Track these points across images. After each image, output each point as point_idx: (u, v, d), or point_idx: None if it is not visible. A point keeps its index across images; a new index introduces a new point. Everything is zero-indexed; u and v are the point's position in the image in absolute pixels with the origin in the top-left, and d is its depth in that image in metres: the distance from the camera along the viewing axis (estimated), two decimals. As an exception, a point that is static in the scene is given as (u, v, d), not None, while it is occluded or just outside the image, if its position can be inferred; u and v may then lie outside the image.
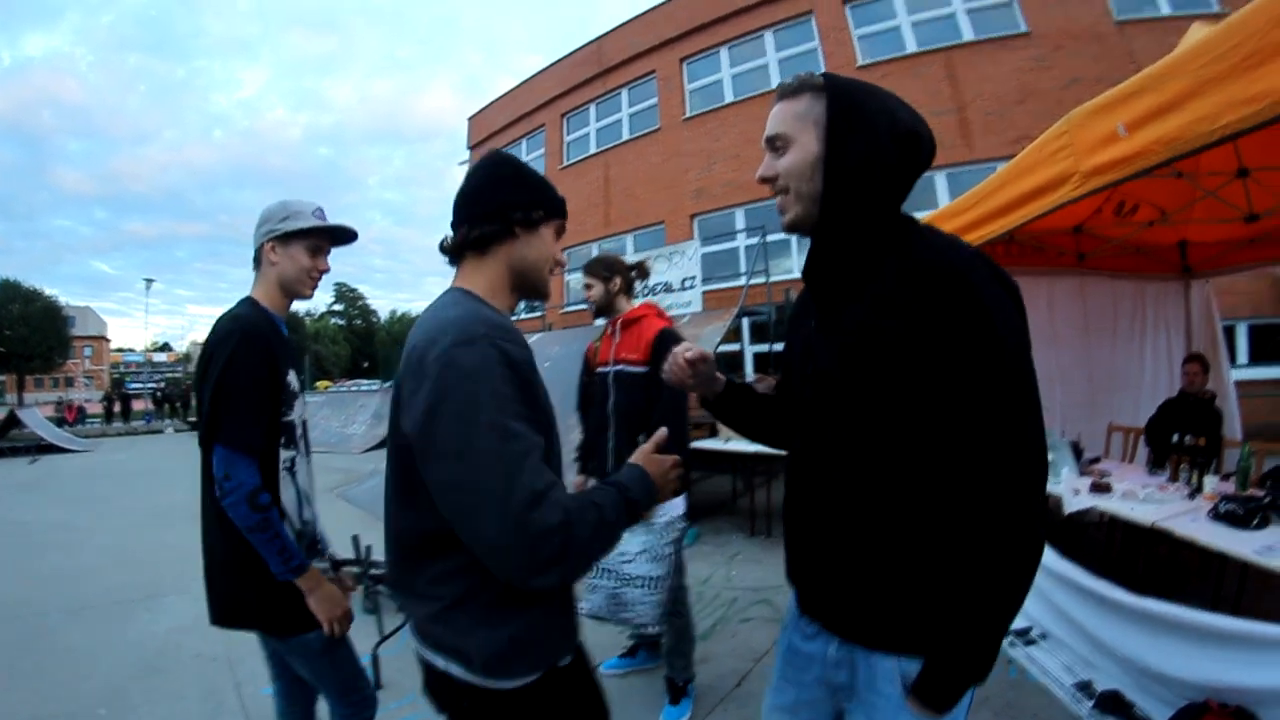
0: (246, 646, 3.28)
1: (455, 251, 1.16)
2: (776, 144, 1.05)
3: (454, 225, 1.16)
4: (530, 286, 1.20)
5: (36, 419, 14.43)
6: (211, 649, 3.33)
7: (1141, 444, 4.16)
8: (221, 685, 2.98)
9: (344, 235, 1.73)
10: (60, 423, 18.50)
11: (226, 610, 1.57)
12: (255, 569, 1.47)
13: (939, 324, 0.91)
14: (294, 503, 1.59)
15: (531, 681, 1.05)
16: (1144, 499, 2.85)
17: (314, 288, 1.71)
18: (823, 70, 1.13)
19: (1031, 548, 0.93)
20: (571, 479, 3.03)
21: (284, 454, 1.56)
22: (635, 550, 2.35)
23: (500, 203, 1.13)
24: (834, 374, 1.03)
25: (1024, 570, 0.93)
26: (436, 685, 1.14)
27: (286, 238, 1.62)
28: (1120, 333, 5.04)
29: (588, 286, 2.72)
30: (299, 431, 1.65)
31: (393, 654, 3.07)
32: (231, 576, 1.54)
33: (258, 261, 1.66)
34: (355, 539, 3.92)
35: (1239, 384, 5.16)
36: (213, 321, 1.58)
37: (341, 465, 9.78)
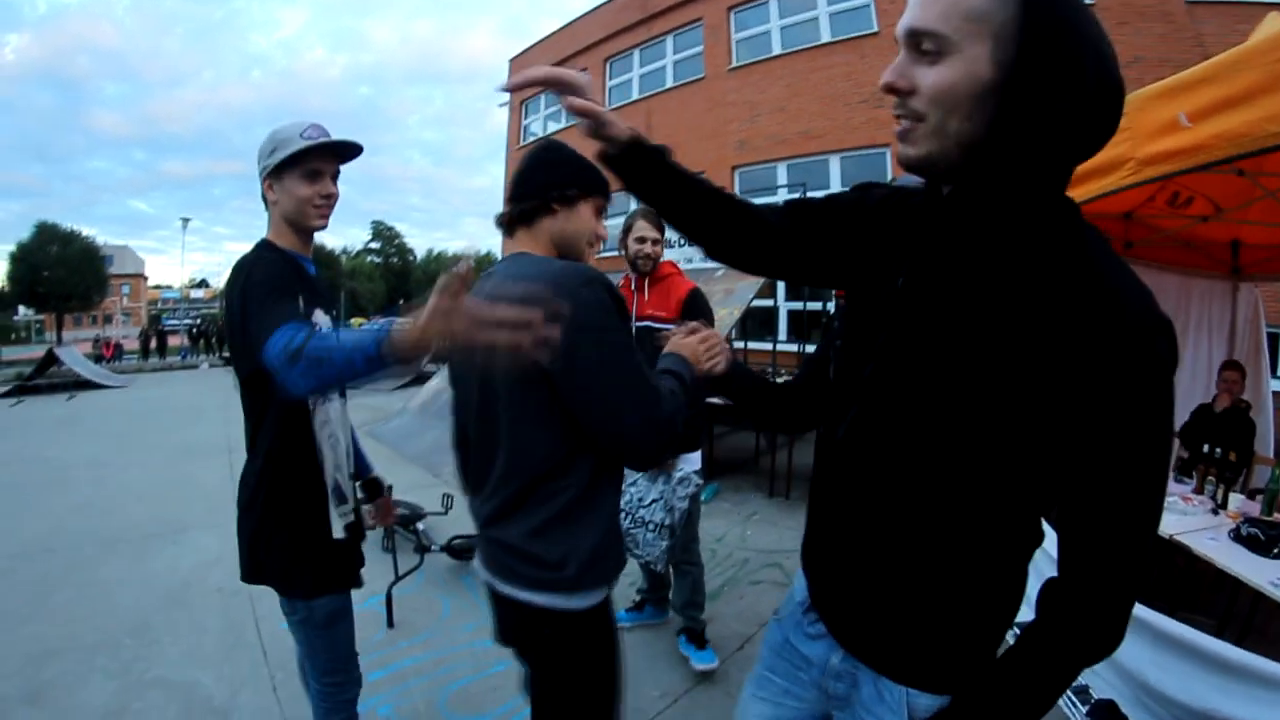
0: None
1: (508, 224, 1.31)
2: (923, 44, 0.72)
3: (505, 202, 1.33)
4: (571, 257, 1.30)
5: (74, 357, 14.83)
6: (233, 584, 3.42)
7: (1174, 449, 4.05)
8: (242, 619, 3.11)
9: (345, 150, 1.55)
10: (98, 359, 19.12)
11: (248, 567, 1.57)
12: (270, 526, 1.50)
13: (1082, 373, 0.70)
14: (330, 461, 1.54)
15: (598, 603, 1.24)
16: (1167, 508, 2.77)
17: (324, 216, 1.55)
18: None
19: (1107, 643, 0.77)
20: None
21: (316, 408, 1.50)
22: (651, 497, 2.50)
23: (540, 183, 1.28)
24: (915, 367, 0.83)
25: (1088, 659, 0.79)
26: (513, 622, 1.30)
27: (279, 170, 1.49)
28: (1161, 329, 4.87)
29: (654, 241, 2.66)
30: None
31: (406, 594, 3.20)
32: (250, 533, 1.54)
33: (264, 202, 1.56)
34: (378, 480, 4.02)
35: (1278, 395, 4.97)
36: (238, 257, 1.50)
37: (371, 403, 9.98)
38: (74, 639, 2.93)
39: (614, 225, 2.92)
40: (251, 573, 1.55)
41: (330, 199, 1.55)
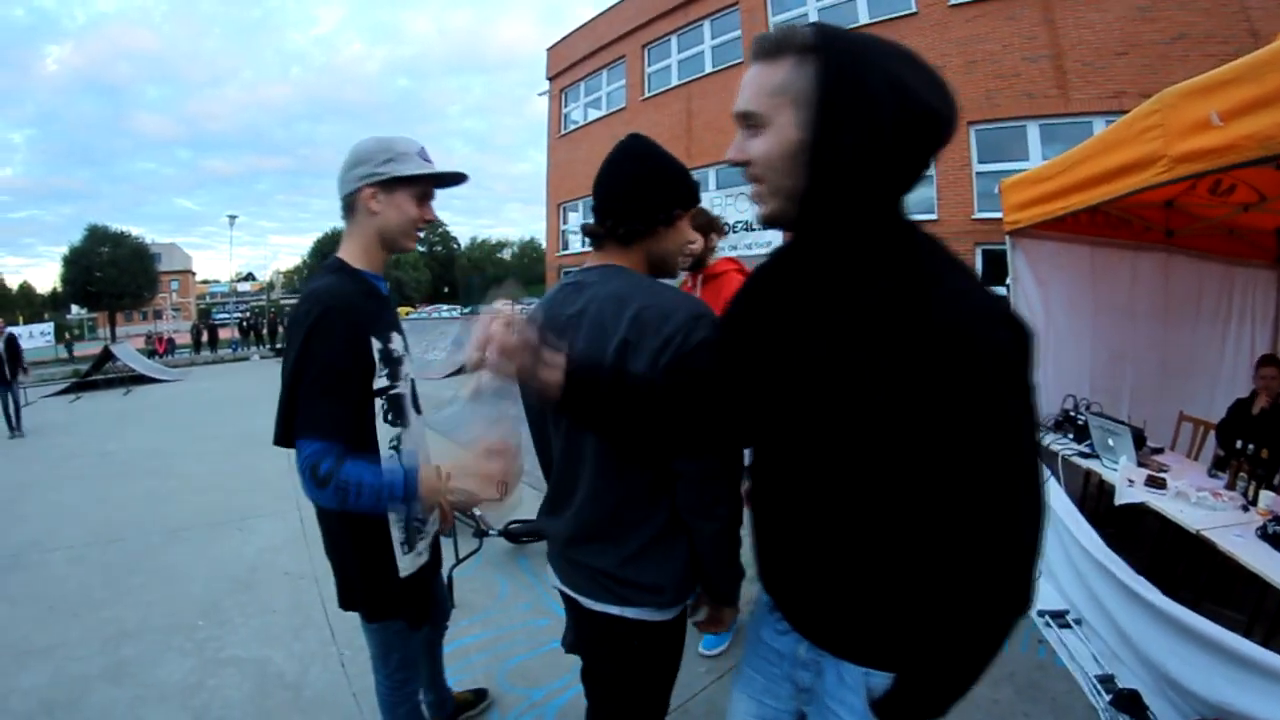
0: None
1: (601, 239, 1.28)
2: (749, 123, 0.86)
3: (599, 213, 1.28)
4: (664, 271, 1.32)
5: (129, 353, 15.35)
6: (299, 567, 3.70)
7: (1210, 441, 3.99)
8: (309, 600, 3.30)
9: (454, 180, 1.53)
10: (151, 355, 19.90)
11: (340, 595, 1.60)
12: (343, 554, 1.52)
13: (931, 373, 0.78)
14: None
15: (679, 611, 1.30)
16: (1195, 502, 2.78)
17: (418, 239, 1.52)
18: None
19: (1012, 611, 0.87)
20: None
21: (391, 431, 1.44)
22: None
23: (644, 206, 1.24)
24: (797, 397, 0.92)
25: (1002, 629, 0.88)
26: (599, 634, 1.31)
27: (391, 184, 1.41)
28: (1203, 317, 4.76)
29: (690, 242, 2.56)
30: (407, 401, 1.51)
31: (466, 576, 3.34)
32: (334, 563, 1.57)
33: (350, 210, 1.44)
34: (437, 468, 4.21)
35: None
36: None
37: (422, 391, 10.21)
38: (149, 621, 3.15)
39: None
40: (348, 602, 1.58)
41: (428, 224, 1.54)
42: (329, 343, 1.31)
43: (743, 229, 8.17)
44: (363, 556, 1.48)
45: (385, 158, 1.40)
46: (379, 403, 1.42)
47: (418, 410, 1.61)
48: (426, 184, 1.47)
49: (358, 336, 1.36)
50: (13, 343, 8.72)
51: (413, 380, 1.58)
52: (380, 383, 1.41)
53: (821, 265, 0.91)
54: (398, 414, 1.47)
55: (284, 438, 1.35)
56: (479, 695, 2.39)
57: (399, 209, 1.44)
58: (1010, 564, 0.84)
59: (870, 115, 0.77)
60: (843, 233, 0.86)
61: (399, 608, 1.57)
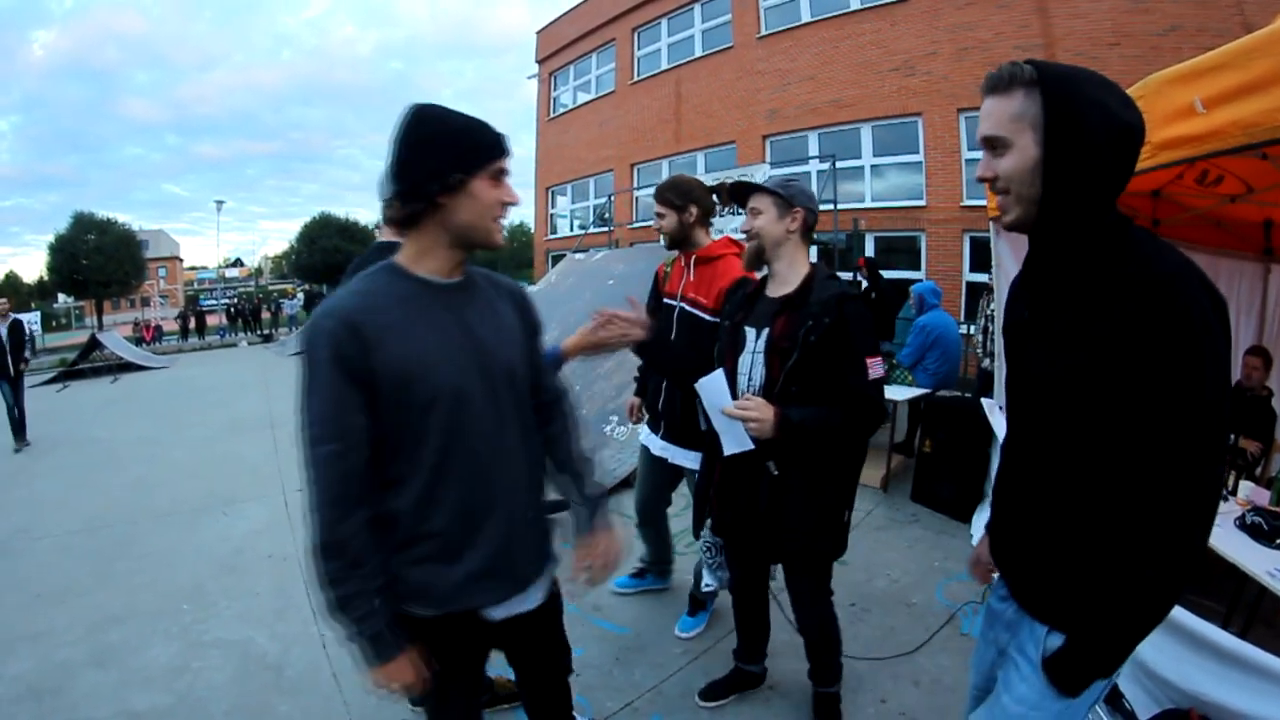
0: None
1: (399, 227, 1.20)
2: (994, 145, 1.05)
3: (388, 198, 1.17)
4: (475, 242, 1.21)
5: (116, 340, 15.21)
6: (283, 549, 3.72)
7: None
8: (291, 582, 3.31)
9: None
10: (139, 342, 19.74)
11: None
12: None
13: (1142, 336, 0.94)
14: None
15: None
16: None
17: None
18: None
19: (1177, 571, 0.99)
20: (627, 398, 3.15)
21: None
22: None
23: (415, 180, 1.13)
24: (1042, 377, 1.10)
25: (1160, 597, 1.01)
26: None
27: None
28: (1189, 308, 4.80)
29: (659, 215, 2.45)
30: None
31: None
32: None
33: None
34: None
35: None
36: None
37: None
38: (135, 606, 3.15)
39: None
40: None
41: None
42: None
43: (729, 212, 8.15)
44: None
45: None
46: None
47: None
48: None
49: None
50: (16, 329, 7.28)
51: None
52: None
53: (1061, 259, 1.08)
54: None
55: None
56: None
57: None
58: (1182, 522, 0.98)
59: (1088, 130, 0.97)
60: (1075, 230, 1.04)
61: None
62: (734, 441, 1.82)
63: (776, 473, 1.80)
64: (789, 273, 1.90)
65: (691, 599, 2.80)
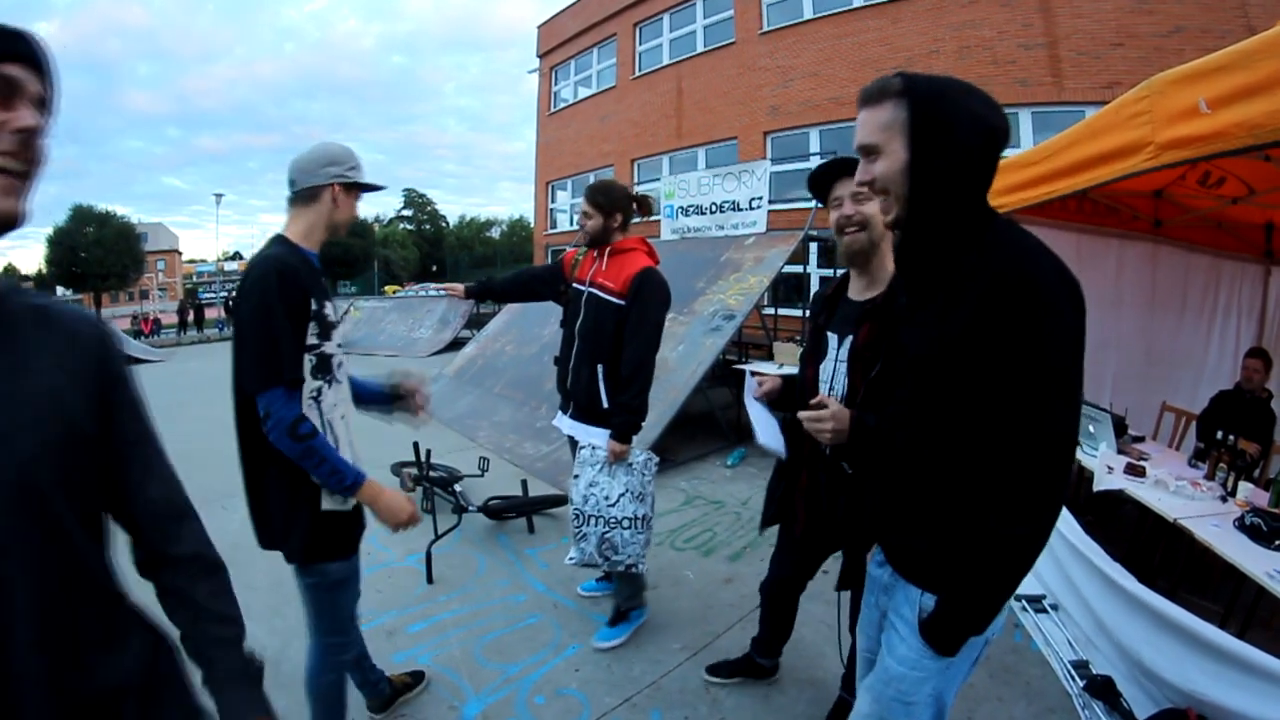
0: None
1: None
2: (869, 152, 1.14)
3: None
4: None
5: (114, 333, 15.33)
6: None
7: (1192, 432, 4.03)
8: (288, 576, 3.22)
9: (378, 189, 1.84)
10: (137, 335, 19.68)
11: (261, 534, 1.67)
12: (286, 502, 1.59)
13: (997, 311, 1.02)
14: (345, 440, 1.67)
15: None
16: (1174, 491, 2.80)
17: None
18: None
19: (1032, 538, 1.07)
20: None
21: (311, 383, 1.58)
22: (618, 492, 2.47)
23: None
24: (916, 355, 1.19)
25: (1022, 553, 1.09)
26: None
27: (352, 187, 1.69)
28: (1189, 309, 4.79)
29: (585, 214, 2.58)
30: (336, 362, 1.68)
31: (444, 552, 3.38)
32: (265, 507, 1.63)
33: (307, 198, 1.65)
34: (415, 444, 4.19)
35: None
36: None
37: (406, 369, 10.22)
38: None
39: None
40: (269, 541, 1.66)
41: None
42: (286, 296, 1.51)
43: (730, 208, 8.13)
44: (287, 491, 1.59)
45: (352, 164, 1.69)
46: (308, 358, 1.59)
47: (345, 377, 1.78)
48: (365, 191, 1.77)
49: (308, 297, 1.56)
50: None
51: (344, 356, 1.76)
52: (311, 340, 1.58)
53: (927, 250, 1.15)
54: (323, 370, 1.63)
55: (249, 385, 1.52)
56: (416, 678, 2.36)
57: (348, 207, 1.71)
58: (1036, 492, 1.06)
59: (950, 134, 1.06)
60: (941, 224, 1.11)
61: (324, 546, 1.66)
62: (769, 438, 1.88)
63: (850, 471, 1.75)
64: (880, 274, 1.76)
65: (615, 609, 2.74)
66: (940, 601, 1.18)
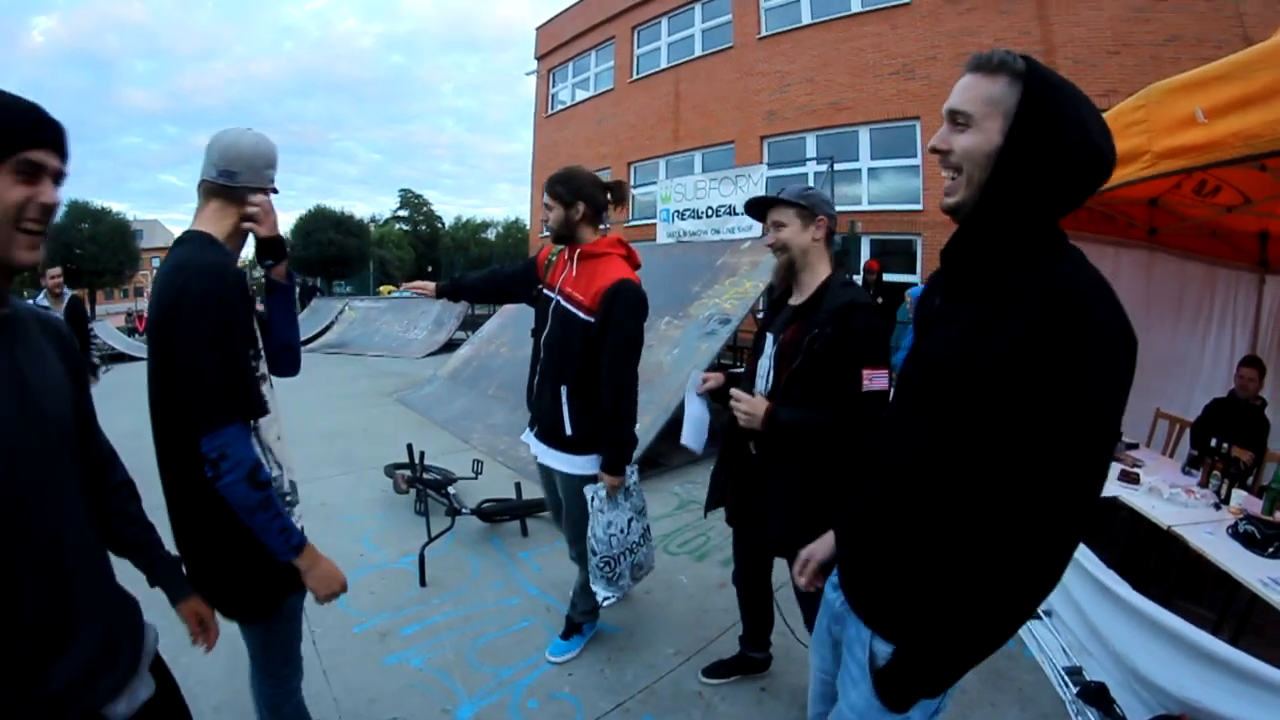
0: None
1: None
2: (958, 119, 1.01)
3: None
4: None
5: (109, 330, 14.91)
6: None
7: (1185, 440, 4.04)
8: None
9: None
10: (131, 332, 19.49)
11: (211, 598, 1.42)
12: (228, 556, 1.38)
13: (1044, 344, 0.90)
14: (261, 460, 1.40)
15: None
16: (1168, 499, 2.81)
17: None
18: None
19: (1027, 596, 0.95)
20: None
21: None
22: (628, 518, 2.40)
23: None
24: (938, 361, 1.07)
25: (1011, 613, 0.96)
26: None
27: (268, 191, 1.50)
28: (1184, 317, 4.82)
29: (546, 207, 2.33)
30: (263, 379, 1.49)
31: (437, 554, 3.35)
32: (204, 566, 1.41)
33: (229, 196, 1.43)
34: (409, 446, 4.20)
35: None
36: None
37: (400, 369, 10.32)
38: (136, 595, 3.11)
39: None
40: (222, 606, 1.43)
41: None
42: (242, 316, 1.32)
43: (725, 213, 8.13)
44: (244, 551, 1.37)
45: (270, 164, 1.48)
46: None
47: (270, 386, 1.57)
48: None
49: (250, 310, 1.38)
50: (76, 312, 5.01)
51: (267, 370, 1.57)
52: (251, 363, 1.42)
53: (984, 251, 1.04)
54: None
55: (204, 423, 1.26)
56: None
57: (267, 207, 1.50)
58: (1042, 552, 0.93)
59: (1057, 139, 0.94)
60: (1008, 227, 1.00)
61: (279, 594, 1.48)
62: (690, 436, 2.19)
63: (755, 452, 1.96)
64: (810, 280, 1.95)
65: (568, 621, 2.67)
66: (896, 653, 1.07)
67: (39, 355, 1.03)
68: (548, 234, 2.39)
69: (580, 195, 2.27)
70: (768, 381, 1.96)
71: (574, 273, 2.31)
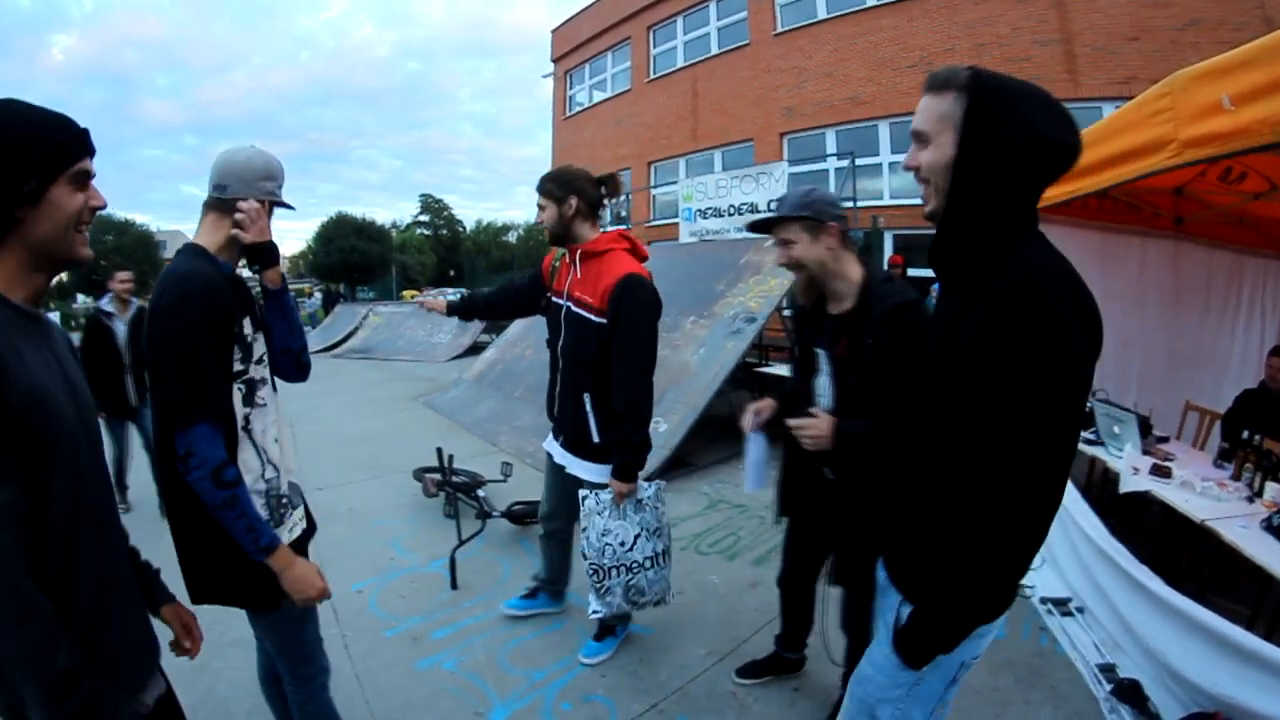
0: (334, 547, 3.68)
1: None
2: (920, 139, 1.13)
3: None
4: (59, 259, 1.04)
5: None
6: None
7: (1216, 432, 3.97)
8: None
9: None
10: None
11: (200, 588, 1.48)
12: (224, 543, 1.41)
13: (1002, 333, 1.00)
14: (255, 462, 1.49)
15: None
16: (1201, 492, 2.77)
17: None
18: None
19: (982, 559, 1.06)
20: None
21: (241, 412, 1.46)
22: (633, 534, 2.31)
23: None
24: (930, 356, 1.19)
25: (974, 573, 1.07)
26: None
27: (272, 205, 1.56)
28: (1212, 307, 4.73)
29: (540, 207, 2.29)
30: (259, 379, 1.54)
31: (469, 557, 3.37)
32: (200, 553, 1.46)
33: (220, 208, 1.50)
34: (439, 450, 4.23)
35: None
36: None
37: (427, 374, 10.42)
38: (172, 592, 3.16)
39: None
40: (211, 593, 1.47)
41: None
42: (207, 320, 1.36)
43: (748, 210, 8.11)
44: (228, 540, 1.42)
45: (279, 181, 1.57)
46: (238, 386, 1.46)
47: (274, 392, 1.64)
48: (280, 207, 1.62)
49: (227, 315, 1.42)
50: (142, 326, 3.46)
51: (268, 371, 1.60)
52: (236, 365, 1.45)
53: (955, 249, 1.14)
54: (250, 397, 1.50)
55: (172, 421, 1.33)
56: None
57: (267, 225, 1.56)
58: (1014, 515, 1.03)
59: (1002, 142, 1.03)
60: (975, 227, 1.10)
61: (277, 585, 1.48)
62: (753, 480, 2.10)
63: (832, 478, 1.87)
64: (844, 287, 1.85)
65: (600, 622, 2.60)
66: (913, 612, 1.18)
67: (69, 355, 1.11)
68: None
69: (571, 189, 2.23)
70: (827, 400, 1.89)
71: (579, 274, 2.27)
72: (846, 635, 2.08)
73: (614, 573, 2.32)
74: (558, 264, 2.43)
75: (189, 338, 1.33)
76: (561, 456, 2.46)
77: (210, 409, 1.35)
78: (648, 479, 2.36)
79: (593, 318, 2.20)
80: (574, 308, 2.26)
